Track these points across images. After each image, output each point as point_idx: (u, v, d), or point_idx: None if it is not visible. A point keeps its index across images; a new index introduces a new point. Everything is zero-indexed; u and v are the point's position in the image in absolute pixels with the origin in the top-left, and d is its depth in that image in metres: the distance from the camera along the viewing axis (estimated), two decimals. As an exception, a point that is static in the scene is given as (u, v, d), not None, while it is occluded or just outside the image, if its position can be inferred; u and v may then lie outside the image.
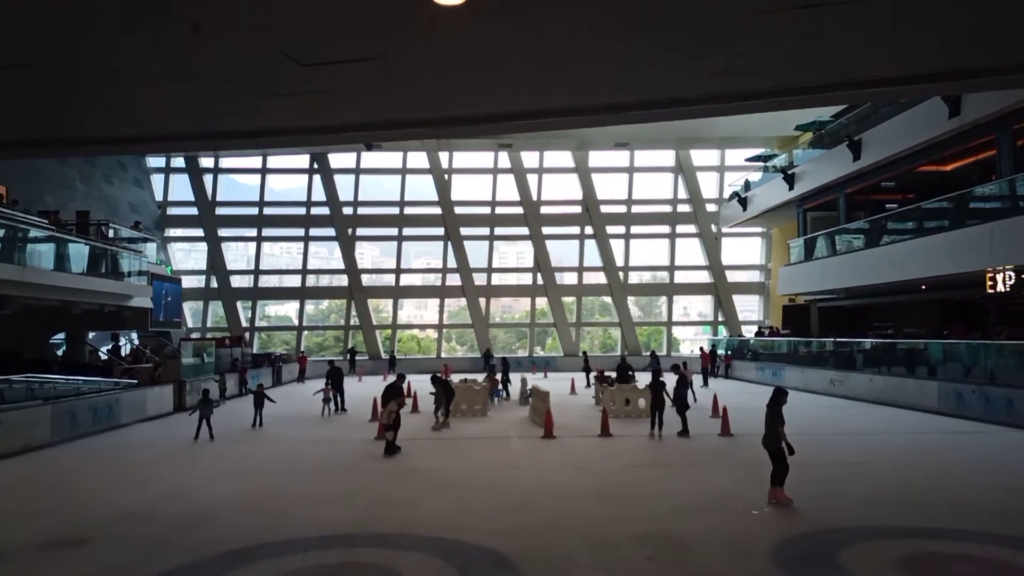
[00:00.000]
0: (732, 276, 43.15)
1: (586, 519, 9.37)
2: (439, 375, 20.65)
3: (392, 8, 5.22)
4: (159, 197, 40.80)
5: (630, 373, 23.44)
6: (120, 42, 5.79)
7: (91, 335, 28.25)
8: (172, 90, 6.92)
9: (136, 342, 29.10)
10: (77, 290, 22.87)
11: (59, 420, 16.63)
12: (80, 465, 14.04)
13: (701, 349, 34.87)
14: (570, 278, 43.45)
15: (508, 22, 5.55)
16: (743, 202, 37.18)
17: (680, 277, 43.13)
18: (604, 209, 42.37)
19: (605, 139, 39.80)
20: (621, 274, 42.42)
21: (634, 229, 42.99)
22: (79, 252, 23.72)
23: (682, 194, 42.78)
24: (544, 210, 42.46)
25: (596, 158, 42.53)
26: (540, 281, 42.29)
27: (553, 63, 6.36)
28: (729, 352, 36.29)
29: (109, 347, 27.66)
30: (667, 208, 43.05)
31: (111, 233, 27.87)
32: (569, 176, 42.80)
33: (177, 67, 6.26)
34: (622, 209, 42.78)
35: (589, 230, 42.47)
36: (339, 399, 21.86)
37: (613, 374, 23.35)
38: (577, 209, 42.51)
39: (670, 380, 17.86)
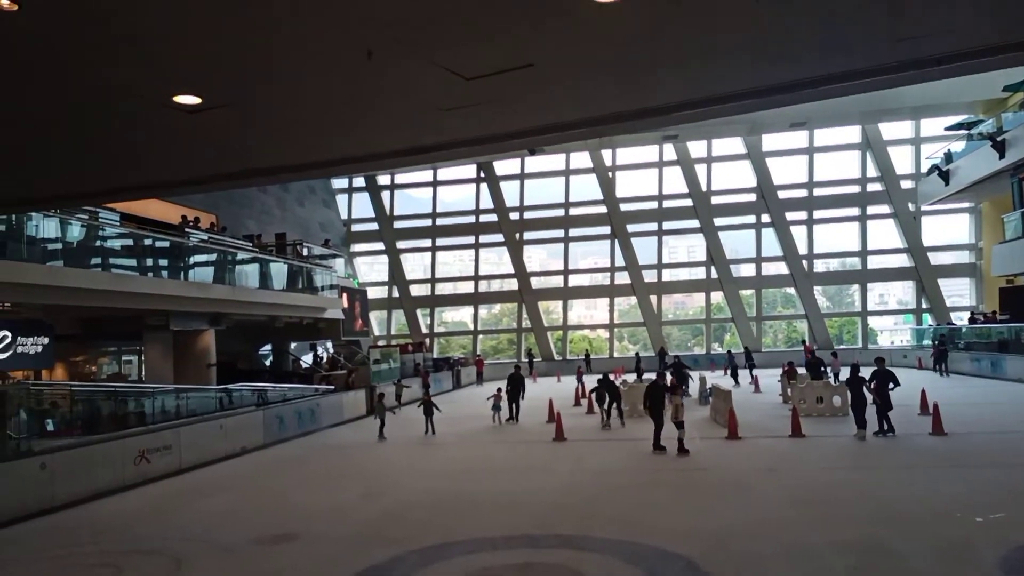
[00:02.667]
0: (936, 258, 38.91)
1: (780, 524, 8.79)
2: (610, 376, 20.47)
3: (548, 11, 5.15)
4: (344, 215, 44.08)
5: (823, 368, 21.85)
6: (304, 79, 6.22)
7: (293, 345, 31.02)
8: (350, 115, 7.34)
9: (331, 351, 31.54)
10: (279, 305, 25.25)
11: (270, 424, 18.38)
12: (288, 466, 15.40)
13: (933, 342, 31.74)
14: (747, 270, 41.40)
15: (669, 13, 5.29)
16: (944, 176, 33.44)
17: (874, 262, 39.60)
18: (782, 195, 39.91)
19: (780, 120, 37.08)
20: (805, 263, 39.70)
21: (817, 214, 40.08)
22: (279, 271, 26.19)
23: (871, 172, 39.27)
24: (716, 200, 40.81)
25: (770, 141, 40.18)
26: (714, 275, 40.68)
27: (721, 46, 5.99)
28: (939, 342, 32.23)
29: (309, 356, 30.25)
30: (855, 189, 39.74)
31: (305, 251, 30.49)
32: (741, 163, 40.83)
33: (355, 93, 6.61)
34: (803, 193, 40.07)
35: (766, 218, 40.20)
36: (514, 409, 20.34)
37: (798, 368, 21.84)
38: (752, 197, 40.42)
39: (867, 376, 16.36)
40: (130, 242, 19.54)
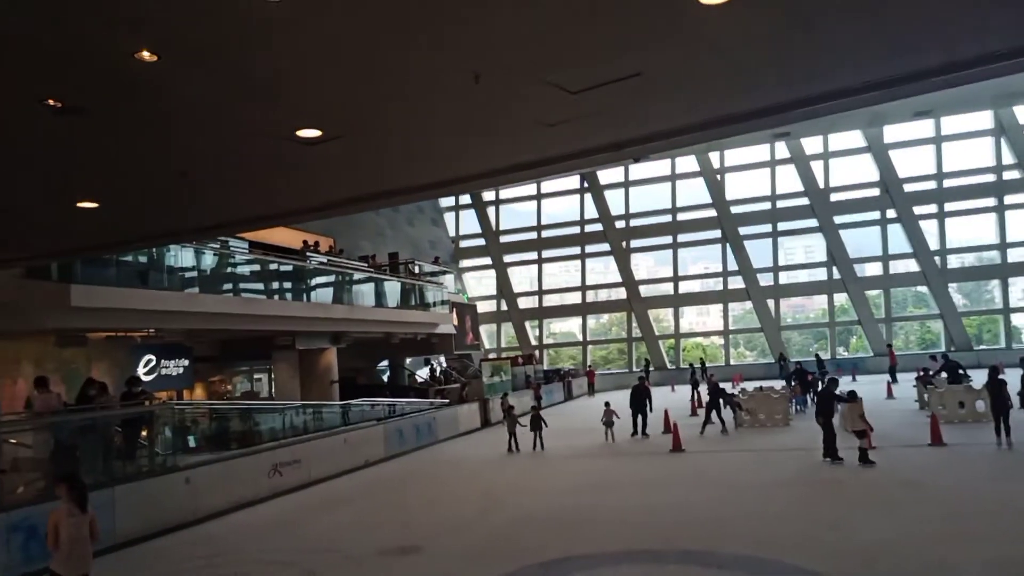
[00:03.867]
0: (1088, 246, 35.29)
1: (923, 539, 8.17)
2: (717, 384, 19.84)
3: (656, 19, 5.06)
4: (452, 233, 45.12)
5: (961, 372, 20.20)
6: (414, 107, 6.42)
7: (408, 361, 31.96)
8: (457, 138, 7.52)
9: (445, 365, 32.25)
10: (393, 322, 26.14)
11: (390, 438, 18.97)
12: (408, 479, 15.83)
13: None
14: (873, 269, 39.00)
15: (779, 11, 5.08)
16: (1096, 156, 30.31)
17: (1015, 255, 36.31)
18: (908, 188, 37.37)
19: (902, 111, 34.57)
20: (937, 259, 36.95)
21: (949, 206, 37.20)
22: (393, 289, 27.13)
23: (1007, 159, 36.14)
24: (834, 197, 38.78)
25: (892, 133, 37.78)
26: (836, 275, 38.57)
27: (840, 40, 5.67)
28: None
29: (423, 370, 31.08)
30: (989, 177, 36.69)
31: (416, 269, 31.44)
32: (860, 157, 38.61)
33: (462, 117, 6.76)
34: (931, 185, 37.38)
35: (891, 213, 37.76)
36: (640, 422, 19.02)
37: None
38: (874, 192, 38.12)
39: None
40: (257, 267, 20.81)
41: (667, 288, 42.26)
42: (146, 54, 4.88)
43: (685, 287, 41.97)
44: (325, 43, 5.03)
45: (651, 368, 37.98)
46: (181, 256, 17.42)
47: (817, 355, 31.04)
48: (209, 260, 18.60)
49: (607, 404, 18.97)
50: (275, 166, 7.92)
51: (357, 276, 25.20)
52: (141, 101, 5.80)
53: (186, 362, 20.73)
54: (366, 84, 5.85)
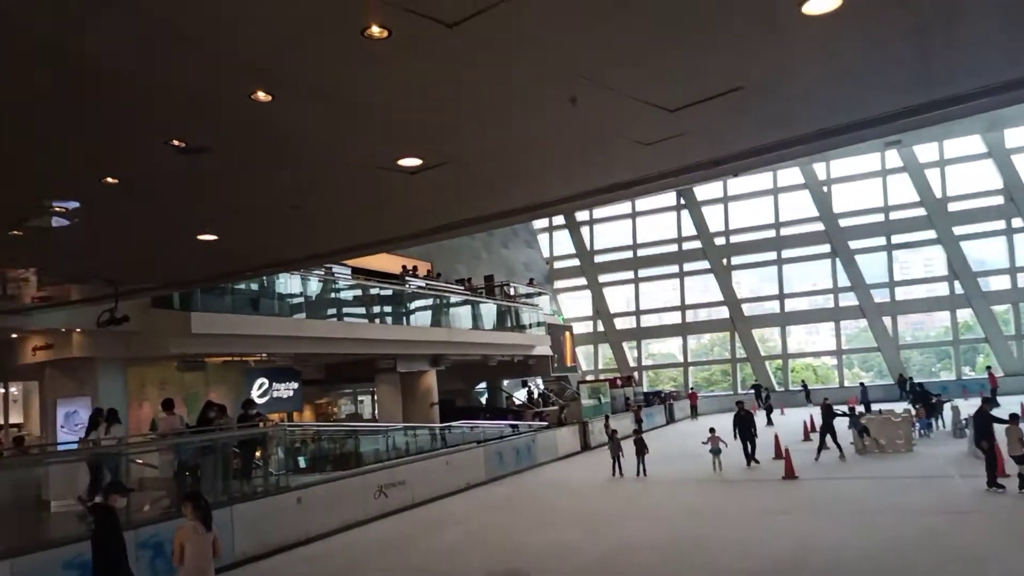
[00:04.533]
0: None
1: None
2: (833, 405, 18.72)
3: (758, 33, 4.89)
4: (546, 254, 45.23)
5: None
6: (511, 132, 6.47)
7: (505, 383, 32.11)
8: (555, 160, 7.51)
9: (542, 387, 32.19)
10: (490, 344, 26.36)
11: (490, 460, 19.03)
12: (512, 502, 15.79)
13: None
14: (999, 282, 36.19)
15: (889, 18, 4.80)
16: None
17: None
18: (1036, 194, 34.63)
19: (1024, 112, 32.40)
20: (1073, 269, 33.94)
21: (1086, 211, 34.18)
22: (489, 311, 27.40)
23: None
24: (952, 207, 36.36)
25: (1015, 137, 35.13)
26: (959, 290, 36.00)
27: (960, 40, 5.29)
28: None
29: (521, 392, 31.11)
30: None
31: (511, 291, 31.65)
32: (980, 163, 36.10)
33: (559, 139, 6.76)
34: (1063, 190, 34.47)
35: (1018, 222, 35.00)
36: (750, 449, 17.69)
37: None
38: (998, 200, 35.47)
39: None
40: (359, 292, 21.52)
41: (772, 306, 40.65)
42: (261, 94, 5.14)
43: (792, 305, 40.22)
44: (427, 76, 5.15)
45: (764, 391, 36.18)
46: (289, 283, 18.25)
47: (901, 375, 28.92)
48: (314, 286, 19.39)
49: (712, 431, 17.62)
50: (378, 195, 8.15)
51: (454, 299, 25.63)
52: (256, 138, 6.11)
53: (295, 385, 21.64)
54: (464, 113, 5.95)
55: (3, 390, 18.01)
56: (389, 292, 22.49)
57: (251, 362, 19.71)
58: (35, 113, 5.45)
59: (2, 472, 10.42)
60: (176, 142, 5.97)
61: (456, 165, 7.21)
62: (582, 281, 44.67)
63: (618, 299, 44.59)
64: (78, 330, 14.35)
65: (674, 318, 42.84)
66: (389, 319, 22.29)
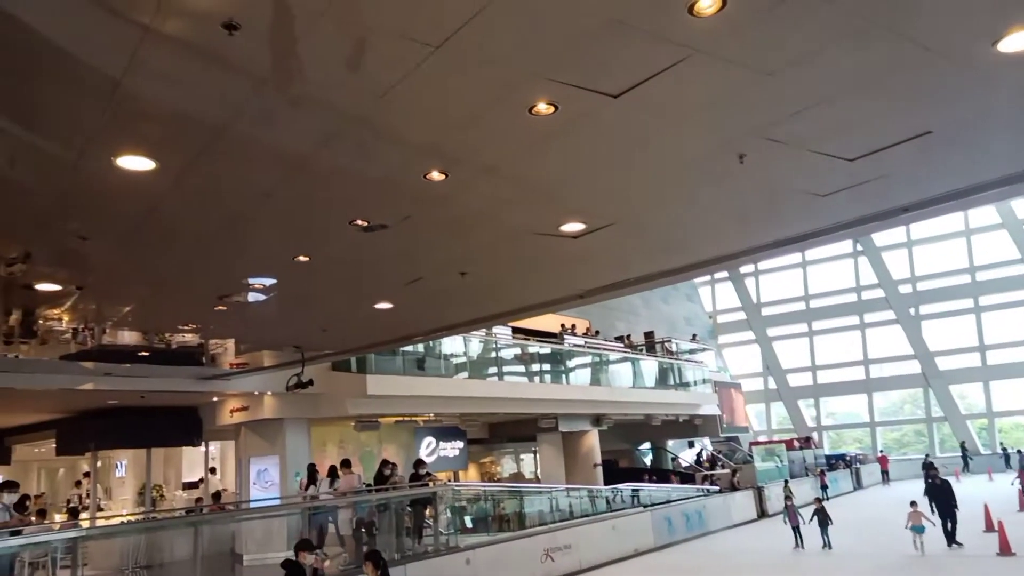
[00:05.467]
0: None
1: None
2: None
3: (947, 74, 4.52)
4: (708, 307, 43.69)
5: None
6: (676, 192, 6.38)
7: (670, 443, 30.94)
8: (720, 218, 7.29)
9: (710, 448, 30.69)
10: (652, 403, 25.64)
11: (658, 526, 18.25)
12: (686, 572, 14.95)
13: None
14: None
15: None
16: None
17: None
18: None
19: None
20: None
21: None
22: (650, 369, 26.75)
23: None
24: None
25: None
26: None
27: None
28: None
29: (689, 454, 29.82)
30: None
31: (673, 347, 30.75)
32: None
33: (725, 196, 6.56)
34: None
35: None
36: (949, 526, 15.01)
37: None
38: None
39: None
40: (518, 351, 21.83)
41: (972, 359, 36.26)
42: (435, 174, 5.45)
43: (995, 357, 35.65)
44: (592, 145, 5.24)
45: (969, 456, 32.25)
46: (452, 344, 18.89)
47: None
48: (476, 346, 19.92)
49: (913, 504, 15.00)
50: (541, 259, 8.30)
51: (613, 357, 25.32)
52: (430, 214, 6.46)
53: (461, 444, 22.16)
54: (629, 178, 5.96)
55: (204, 448, 19.89)
56: (547, 351, 22.65)
57: (420, 421, 20.46)
58: (242, 202, 6.11)
59: (203, 526, 11.37)
60: (359, 221, 6.44)
61: (619, 228, 7.19)
62: (749, 335, 42.55)
63: (791, 354, 41.79)
64: (269, 393, 15.64)
65: (856, 373, 39.37)
66: (548, 378, 22.38)
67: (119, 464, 21.10)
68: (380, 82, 4.25)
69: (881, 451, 36.02)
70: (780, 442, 30.92)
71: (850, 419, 41.33)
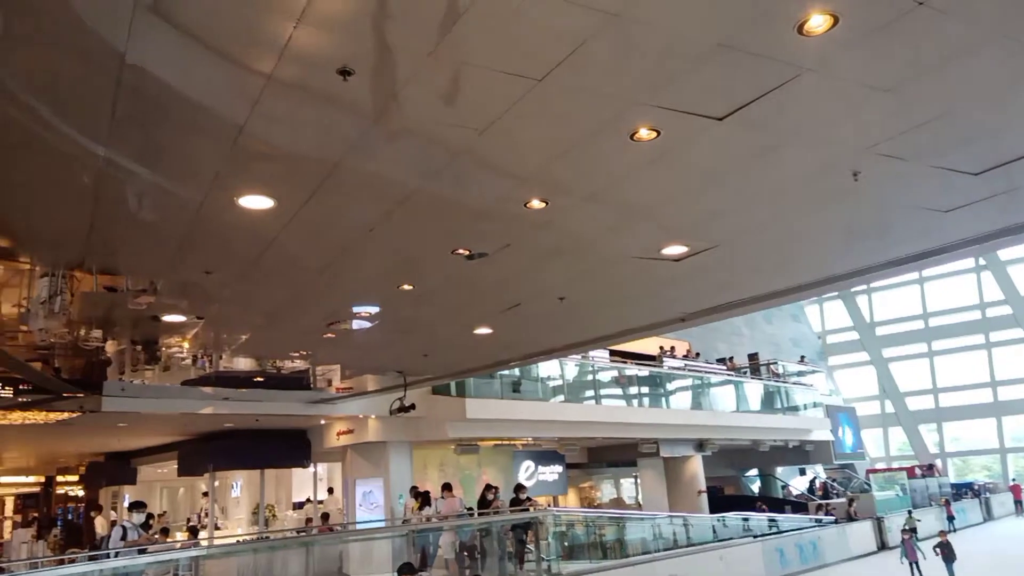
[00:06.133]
0: None
1: None
2: None
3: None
4: (816, 328, 41.71)
5: None
6: (790, 213, 6.16)
7: (779, 470, 29.59)
8: (833, 237, 7.01)
9: (823, 476, 29.16)
10: (758, 428, 24.61)
11: (769, 557, 17.41)
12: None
13: None
14: None
15: None
16: None
17: None
18: None
19: None
20: None
21: None
22: (754, 392, 25.73)
23: None
24: None
25: None
26: None
27: None
28: None
29: (800, 481, 28.43)
30: None
31: (780, 370, 29.48)
32: None
33: (840, 214, 6.30)
34: None
35: None
36: None
37: None
38: None
39: None
40: (615, 373, 21.52)
41: (1117, 381, 33.03)
42: (536, 202, 5.49)
43: None
44: (696, 168, 5.16)
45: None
46: (548, 366, 18.83)
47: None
48: (572, 369, 19.78)
49: None
50: (641, 283, 8.20)
51: (715, 380, 24.56)
52: (529, 241, 6.51)
53: (559, 468, 22.00)
54: (735, 199, 5.82)
55: (313, 469, 20.64)
56: (646, 373, 22.22)
57: (518, 445, 20.47)
58: (350, 235, 6.36)
59: (314, 546, 11.76)
60: (461, 251, 6.57)
61: (723, 250, 7.01)
62: (863, 356, 40.22)
63: (909, 375, 39.16)
64: (373, 416, 16.07)
65: (983, 396, 36.48)
66: (647, 401, 21.93)
67: (235, 484, 22.20)
68: (483, 116, 4.34)
69: (1014, 479, 33.08)
70: (900, 469, 29.00)
71: (977, 445, 38.19)
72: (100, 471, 22.37)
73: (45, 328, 10.53)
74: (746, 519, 21.00)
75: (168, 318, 9.29)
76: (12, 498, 27.04)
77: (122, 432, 16.70)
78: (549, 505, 20.42)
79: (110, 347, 12.74)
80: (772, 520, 21.35)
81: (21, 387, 11.67)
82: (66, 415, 12.83)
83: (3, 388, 11.46)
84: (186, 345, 13.11)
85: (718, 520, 20.43)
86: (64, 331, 10.96)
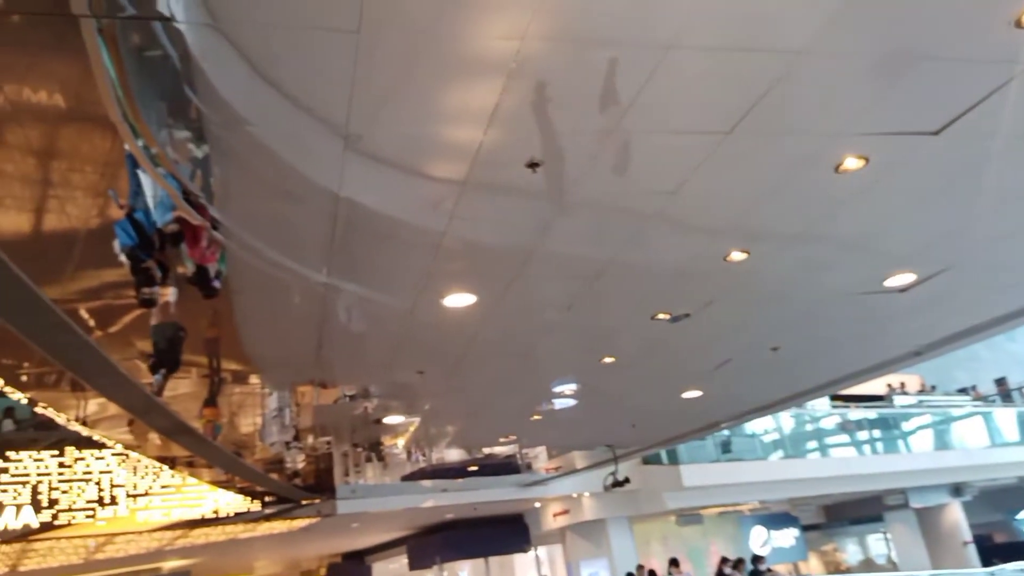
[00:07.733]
0: None
1: None
2: None
3: None
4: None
5: None
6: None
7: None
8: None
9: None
10: (1022, 463, 21.19)
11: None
12: None
13: None
14: None
15: None
16: None
17: None
18: None
19: None
20: None
21: None
22: (1009, 421, 22.30)
23: None
24: None
25: None
26: None
27: None
28: None
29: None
30: None
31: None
32: None
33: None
34: None
35: None
36: None
37: None
38: None
39: None
40: (837, 419, 19.65)
41: None
42: (736, 254, 5.23)
43: None
44: (914, 189, 4.66)
45: None
46: (759, 421, 17.60)
47: None
48: (788, 421, 18.34)
49: None
50: (866, 320, 7.47)
51: (958, 413, 21.66)
52: (732, 294, 6.18)
53: (795, 532, 20.22)
54: (960, 216, 5.17)
55: (535, 554, 20.52)
56: (874, 416, 20.09)
57: (745, 510, 19.16)
58: (549, 317, 6.40)
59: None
60: (661, 315, 6.38)
61: (956, 271, 6.22)
62: None
63: None
64: (587, 494, 15.82)
65: None
66: (881, 446, 19.72)
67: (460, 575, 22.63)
68: (671, 179, 4.23)
69: None
70: None
71: None
72: (340, 571, 23.78)
73: (278, 441, 11.58)
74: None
75: (389, 420, 9.86)
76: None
77: (355, 532, 17.74)
78: (790, 573, 18.71)
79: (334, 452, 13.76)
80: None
81: (266, 499, 12.84)
82: (307, 521, 13.89)
83: (251, 502, 12.67)
84: (401, 441, 13.86)
85: (994, 574, 17.60)
86: (295, 442, 11.99)
